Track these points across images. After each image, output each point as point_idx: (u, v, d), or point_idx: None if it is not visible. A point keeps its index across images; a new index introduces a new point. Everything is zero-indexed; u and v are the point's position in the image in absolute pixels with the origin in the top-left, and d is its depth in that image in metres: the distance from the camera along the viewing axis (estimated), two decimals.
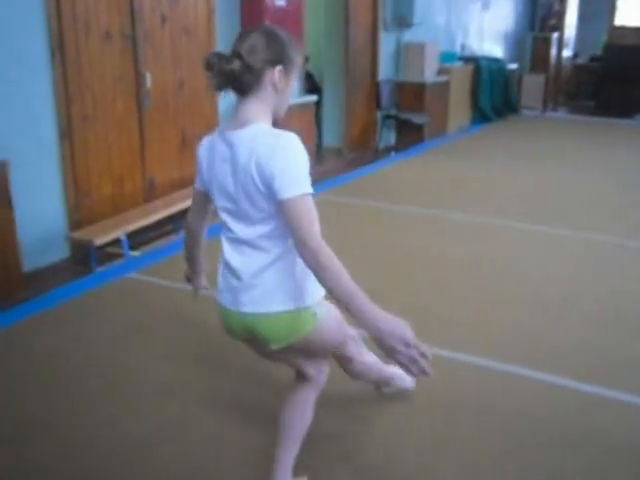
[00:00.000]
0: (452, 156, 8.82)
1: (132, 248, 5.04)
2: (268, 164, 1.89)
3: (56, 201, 4.84)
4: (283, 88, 2.03)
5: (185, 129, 5.97)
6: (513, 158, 8.80)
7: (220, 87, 2.00)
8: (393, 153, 9.17)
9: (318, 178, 7.01)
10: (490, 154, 9.07)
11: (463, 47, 11.48)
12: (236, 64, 1.95)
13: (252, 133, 1.97)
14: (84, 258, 4.86)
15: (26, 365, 3.49)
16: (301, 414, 2.42)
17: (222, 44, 6.13)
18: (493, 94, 11.49)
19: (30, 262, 4.55)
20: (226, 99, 2.12)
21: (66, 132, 4.82)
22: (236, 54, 1.97)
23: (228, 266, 2.10)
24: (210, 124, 6.16)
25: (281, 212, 1.92)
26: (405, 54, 9.53)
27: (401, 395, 3.13)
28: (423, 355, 1.76)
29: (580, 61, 15.02)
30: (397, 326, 1.76)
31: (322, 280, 1.84)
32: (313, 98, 7.46)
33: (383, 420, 2.99)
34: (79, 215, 4.99)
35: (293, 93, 2.20)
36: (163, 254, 5.05)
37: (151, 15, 5.46)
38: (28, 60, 4.52)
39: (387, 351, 1.77)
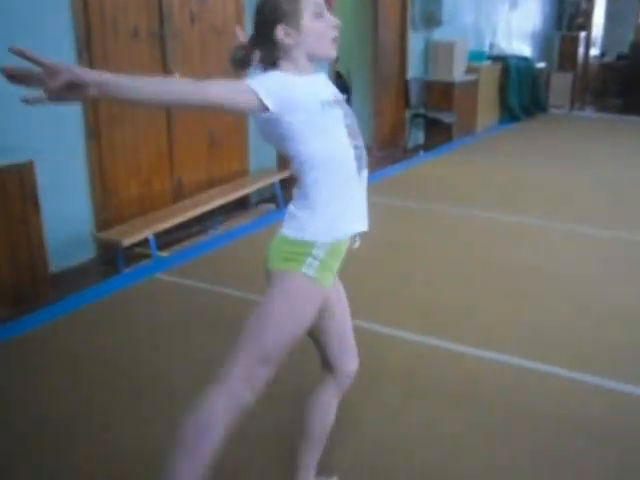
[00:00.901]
0: (480, 155, 8.72)
1: (160, 248, 4.99)
2: None
3: (83, 201, 4.79)
4: (296, 39, 1.98)
5: (213, 129, 5.90)
6: (541, 156, 8.68)
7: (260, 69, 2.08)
8: (422, 152, 9.09)
9: None
10: (518, 153, 8.96)
11: (491, 46, 11.37)
12: (240, 53, 2.07)
13: None
14: (111, 259, 4.81)
15: (51, 366, 3.44)
16: (322, 415, 2.36)
17: None
18: (521, 93, 11.38)
19: (57, 263, 4.50)
20: None
21: (93, 131, 4.76)
22: (244, 43, 2.08)
23: None
24: (238, 124, 6.10)
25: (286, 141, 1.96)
26: (434, 53, 9.43)
27: (425, 392, 3.05)
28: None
29: (607, 60, 14.94)
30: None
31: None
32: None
33: (409, 418, 2.90)
34: (106, 215, 4.93)
35: None
36: (191, 254, 4.99)
37: (180, 14, 5.41)
38: (54, 59, 4.45)
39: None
